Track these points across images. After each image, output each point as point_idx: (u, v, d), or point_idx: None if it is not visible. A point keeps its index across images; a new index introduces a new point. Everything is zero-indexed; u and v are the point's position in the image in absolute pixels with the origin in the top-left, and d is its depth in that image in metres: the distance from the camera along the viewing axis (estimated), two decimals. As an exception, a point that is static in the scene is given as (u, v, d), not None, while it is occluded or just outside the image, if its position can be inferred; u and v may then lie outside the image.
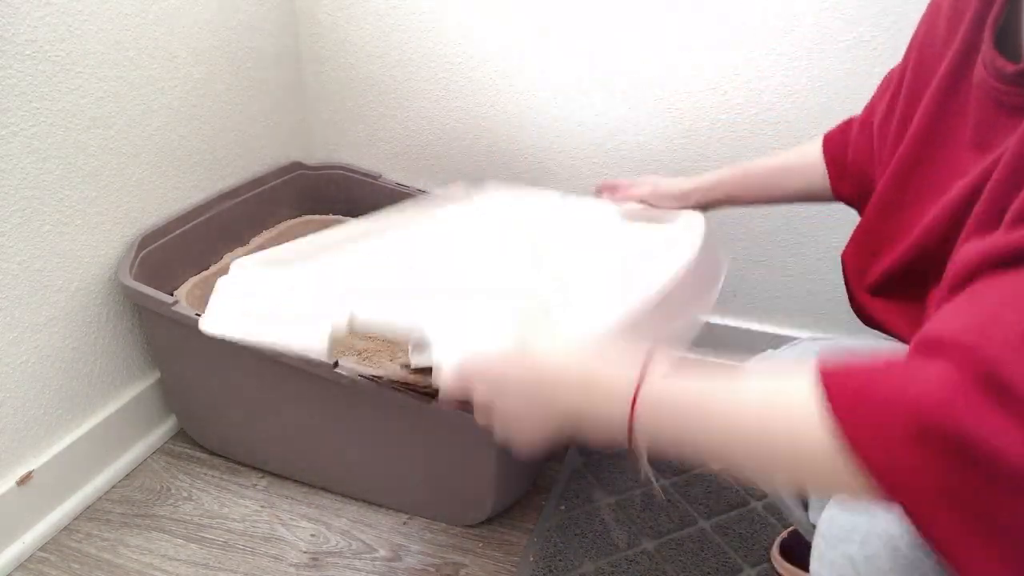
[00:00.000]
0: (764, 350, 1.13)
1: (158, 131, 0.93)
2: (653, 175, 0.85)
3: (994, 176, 0.43)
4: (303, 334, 0.63)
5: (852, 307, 0.66)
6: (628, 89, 1.03)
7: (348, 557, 0.83)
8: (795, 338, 1.09)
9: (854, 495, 0.35)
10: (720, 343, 1.13)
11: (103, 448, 0.91)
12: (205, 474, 0.94)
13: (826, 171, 0.72)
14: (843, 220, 1.00)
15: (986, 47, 0.47)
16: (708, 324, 1.13)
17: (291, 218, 1.15)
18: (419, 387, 0.80)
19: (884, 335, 0.61)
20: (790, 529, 0.84)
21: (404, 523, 0.88)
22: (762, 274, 1.08)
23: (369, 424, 0.83)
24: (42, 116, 0.78)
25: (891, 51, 0.90)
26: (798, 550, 0.80)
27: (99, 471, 0.91)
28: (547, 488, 0.89)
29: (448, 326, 0.59)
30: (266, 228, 1.11)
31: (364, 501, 0.90)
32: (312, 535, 0.86)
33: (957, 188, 0.48)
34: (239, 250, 1.04)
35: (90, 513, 0.88)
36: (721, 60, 0.97)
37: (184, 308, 0.85)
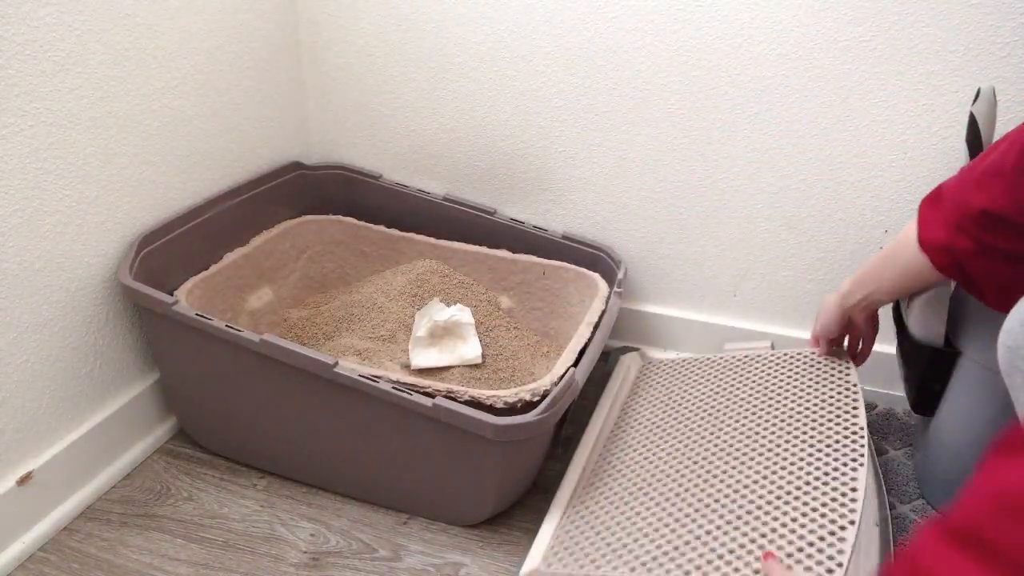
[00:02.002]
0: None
1: (158, 131, 0.93)
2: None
3: None
4: None
5: None
6: (630, 88, 1.03)
7: (348, 557, 0.83)
8: (795, 338, 1.09)
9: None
10: (720, 343, 1.13)
11: (103, 448, 0.91)
12: (205, 474, 0.94)
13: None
14: (842, 220, 1.01)
15: None
16: (708, 324, 1.14)
17: (291, 218, 1.15)
18: (419, 387, 0.80)
19: None
20: None
21: (404, 523, 0.88)
22: (762, 274, 1.08)
23: (369, 424, 0.83)
24: (42, 116, 0.78)
25: (891, 51, 0.90)
26: None
27: (99, 471, 0.91)
28: (548, 488, 0.89)
29: None
30: (266, 228, 1.11)
31: (364, 501, 0.90)
32: (312, 535, 0.86)
33: None
34: (239, 250, 1.04)
35: (90, 513, 0.88)
36: (720, 60, 0.97)
37: (184, 308, 0.85)
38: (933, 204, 0.73)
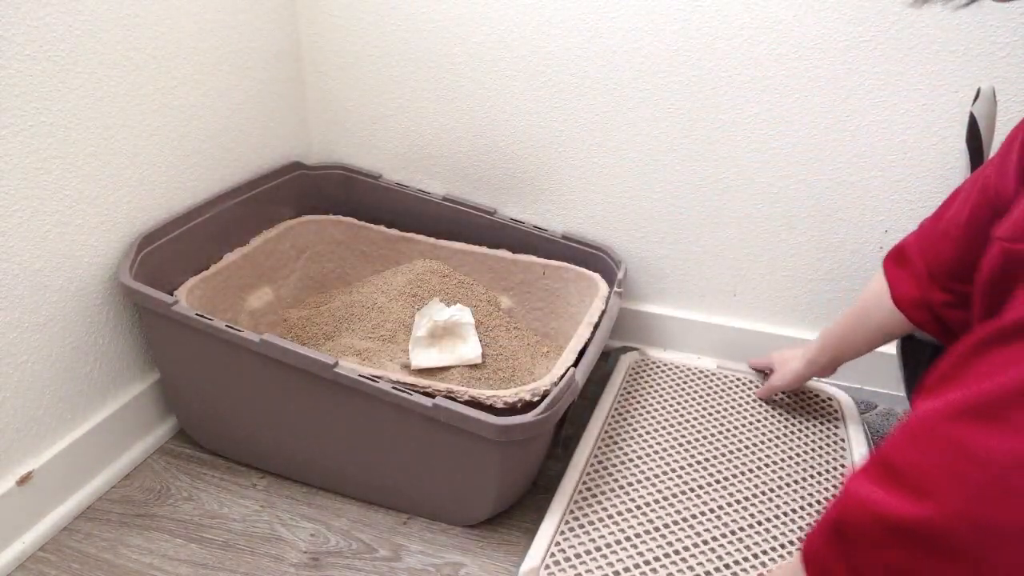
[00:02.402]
0: (763, 350, 1.13)
1: (158, 131, 0.93)
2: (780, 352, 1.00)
3: None
4: None
5: None
6: (630, 88, 1.03)
7: (348, 557, 0.83)
8: (795, 338, 1.09)
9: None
10: (720, 343, 1.13)
11: (103, 448, 0.91)
12: (205, 474, 0.94)
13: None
14: (842, 219, 1.01)
15: None
16: (708, 324, 1.14)
17: (291, 218, 1.15)
18: (419, 387, 0.80)
19: None
20: None
21: (404, 523, 0.88)
22: (762, 274, 1.08)
23: (369, 424, 0.83)
24: (42, 116, 0.78)
25: (891, 51, 0.90)
26: None
27: (99, 471, 0.91)
28: (548, 488, 0.89)
29: None
30: (266, 228, 1.11)
31: (364, 501, 0.90)
32: (312, 535, 0.86)
33: None
34: (239, 250, 1.04)
35: (90, 513, 0.88)
36: (720, 60, 0.97)
37: (184, 308, 0.85)
38: (899, 262, 0.73)
